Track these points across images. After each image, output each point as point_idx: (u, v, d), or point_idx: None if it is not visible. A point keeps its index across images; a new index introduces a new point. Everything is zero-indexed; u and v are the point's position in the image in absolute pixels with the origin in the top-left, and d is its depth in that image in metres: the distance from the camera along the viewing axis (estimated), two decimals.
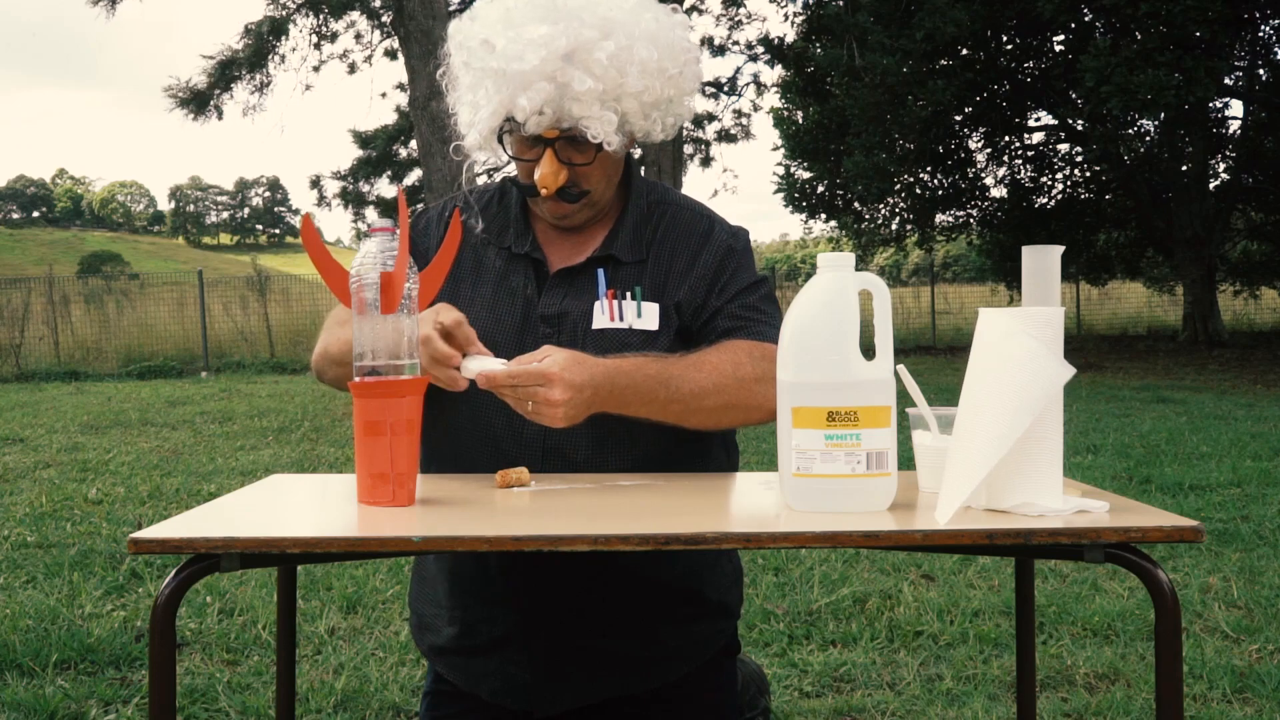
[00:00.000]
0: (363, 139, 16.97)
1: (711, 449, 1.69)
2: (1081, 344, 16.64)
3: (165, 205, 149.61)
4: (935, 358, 15.17)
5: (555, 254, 1.69)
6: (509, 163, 1.68)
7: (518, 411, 1.45)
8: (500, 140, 1.61)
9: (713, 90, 17.41)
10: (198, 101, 12.96)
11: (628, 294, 1.63)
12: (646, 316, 1.62)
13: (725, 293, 1.64)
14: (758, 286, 1.67)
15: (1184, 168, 17.09)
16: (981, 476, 1.17)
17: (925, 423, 1.38)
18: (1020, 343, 1.19)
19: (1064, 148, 19.00)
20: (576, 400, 1.43)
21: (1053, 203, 19.25)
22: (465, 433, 1.62)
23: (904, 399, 1.29)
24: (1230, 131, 17.64)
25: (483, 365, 1.45)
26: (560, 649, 1.62)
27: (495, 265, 1.69)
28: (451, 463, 1.65)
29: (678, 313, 1.64)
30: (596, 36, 1.52)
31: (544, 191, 1.58)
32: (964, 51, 16.88)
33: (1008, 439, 1.17)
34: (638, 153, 1.89)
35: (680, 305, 1.64)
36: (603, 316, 1.61)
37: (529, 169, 1.61)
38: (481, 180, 1.88)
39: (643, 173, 1.82)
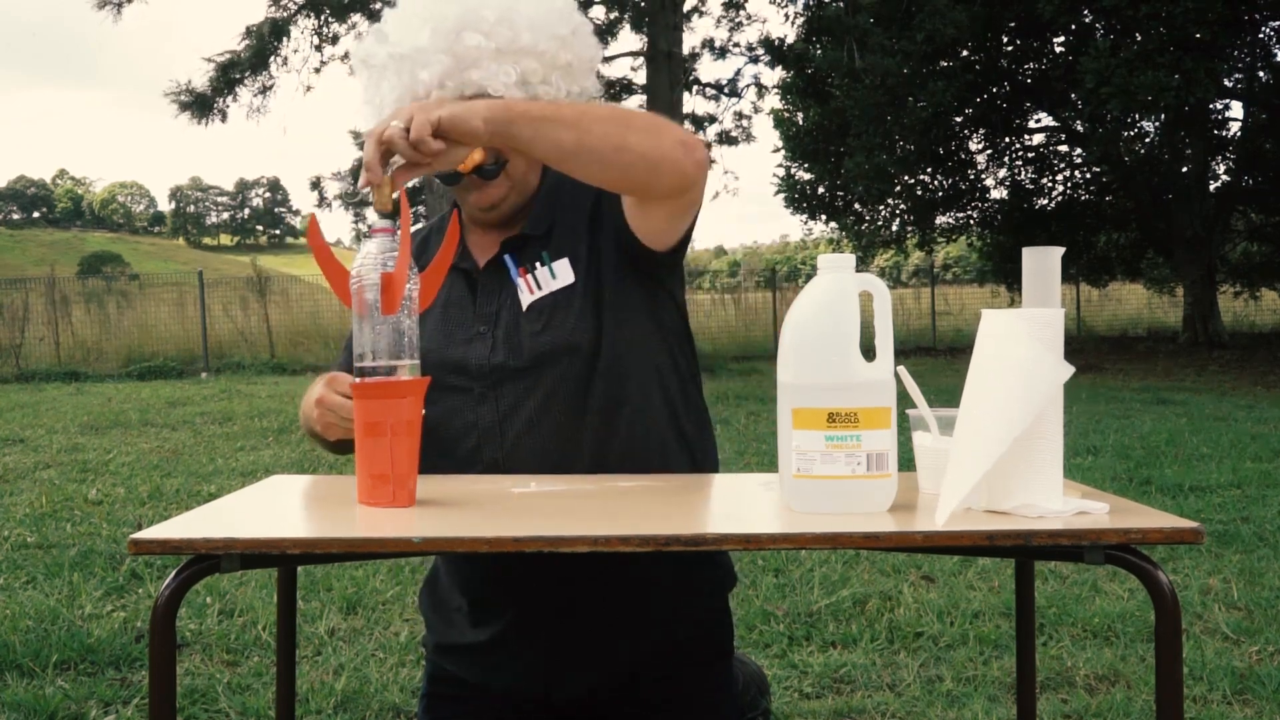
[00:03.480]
0: (363, 140, 16.95)
1: (669, 451, 1.68)
2: (1082, 345, 16.64)
3: (165, 206, 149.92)
4: (935, 359, 15.17)
5: (481, 254, 1.71)
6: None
7: (413, 152, 1.41)
8: None
9: (713, 92, 17.41)
10: (200, 105, 12.96)
11: (535, 263, 1.65)
12: (560, 274, 1.65)
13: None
14: None
15: (1184, 169, 17.09)
16: (978, 477, 1.17)
17: (926, 424, 1.38)
18: (1021, 343, 1.19)
19: (1064, 149, 19.02)
20: (443, 103, 1.43)
21: (1053, 204, 19.27)
22: (433, 443, 1.62)
23: (904, 400, 1.29)
24: (1230, 133, 17.65)
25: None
26: (564, 630, 1.64)
27: (446, 283, 1.69)
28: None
29: (629, 243, 1.62)
30: (481, 2, 1.57)
31: (463, 168, 1.57)
32: (964, 53, 16.90)
33: (1006, 439, 1.17)
34: None
35: (601, 242, 1.64)
36: (525, 294, 1.64)
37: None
38: None
39: None
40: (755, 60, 17.18)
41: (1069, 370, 1.18)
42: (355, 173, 17.02)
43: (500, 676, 1.69)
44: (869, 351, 1.25)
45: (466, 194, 1.66)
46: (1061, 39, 16.81)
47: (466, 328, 1.67)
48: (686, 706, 1.73)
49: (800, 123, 19.14)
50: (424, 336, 1.64)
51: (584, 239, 1.66)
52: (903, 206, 19.21)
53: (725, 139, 17.82)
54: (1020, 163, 19.31)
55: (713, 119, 17.77)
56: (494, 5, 1.57)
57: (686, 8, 15.05)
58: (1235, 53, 15.38)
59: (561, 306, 1.62)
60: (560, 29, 1.62)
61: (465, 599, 1.71)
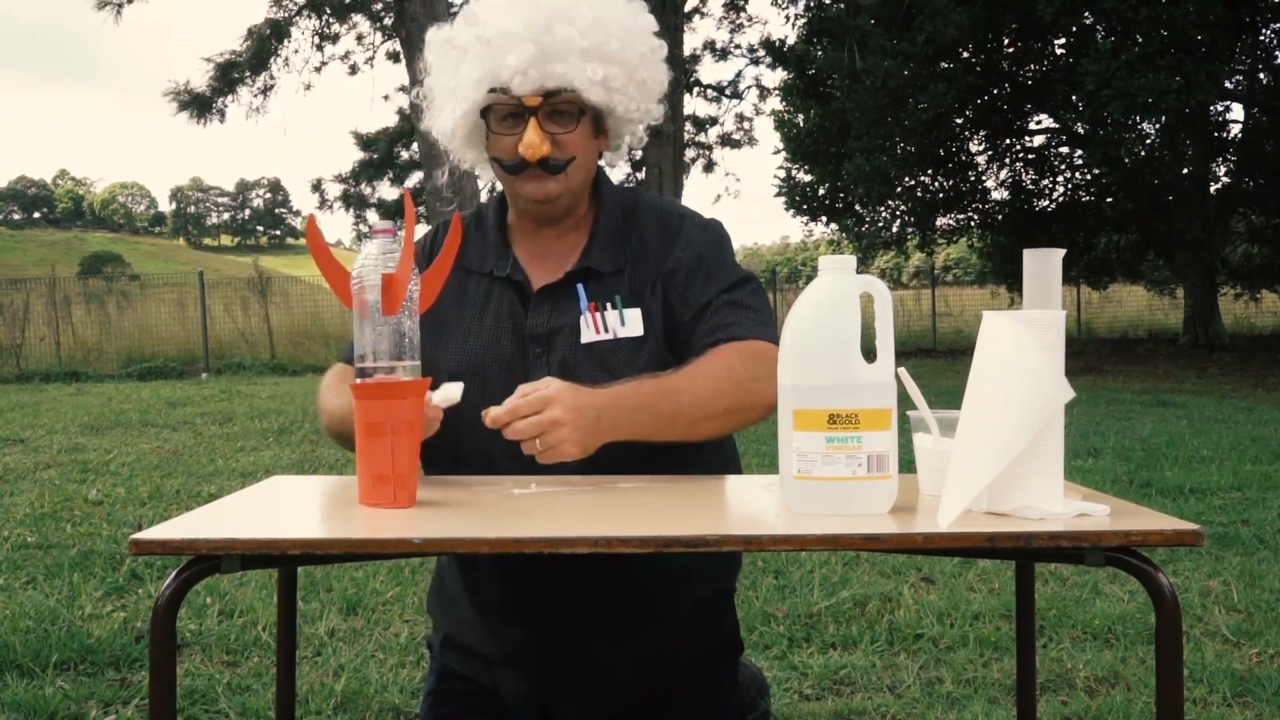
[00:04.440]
0: (364, 141, 16.98)
1: (698, 454, 1.68)
2: (1082, 347, 16.64)
3: (166, 206, 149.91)
4: (936, 360, 15.17)
5: (536, 273, 1.69)
6: (477, 160, 1.71)
7: (528, 453, 1.43)
8: (484, 117, 1.63)
9: (714, 94, 17.41)
10: (200, 105, 12.96)
11: (608, 304, 1.65)
12: (630, 324, 1.64)
13: (707, 290, 1.64)
14: (740, 284, 1.67)
15: (1184, 171, 17.10)
16: (984, 484, 1.18)
17: (926, 425, 1.38)
18: (1027, 353, 1.20)
19: (1065, 150, 19.01)
20: (582, 424, 1.42)
21: (1053, 205, 19.27)
22: (464, 456, 1.63)
23: (905, 402, 1.29)
24: (1231, 135, 17.67)
25: (446, 392, 1.45)
26: (577, 656, 1.65)
27: (479, 291, 1.70)
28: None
29: (664, 314, 1.65)
30: (575, 1, 1.59)
31: (529, 153, 1.59)
32: (965, 54, 16.89)
33: (1010, 451, 1.17)
34: (619, 163, 1.93)
35: (665, 305, 1.65)
36: (588, 330, 1.63)
37: (512, 145, 1.62)
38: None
39: (643, 174, 1.86)
40: (756, 62, 17.20)
41: (1070, 393, 1.19)
42: (356, 174, 17.05)
43: (509, 679, 1.70)
44: (870, 353, 1.25)
45: (523, 184, 1.65)
46: (1062, 41, 16.81)
47: (519, 345, 1.65)
48: (687, 706, 1.74)
49: (801, 124, 19.15)
50: (460, 336, 1.66)
51: (658, 297, 1.65)
52: (903, 208, 19.20)
53: (726, 141, 17.83)
54: (1021, 164, 19.32)
55: (714, 121, 17.79)
56: (590, 5, 1.59)
57: (687, 9, 15.05)
58: (1236, 55, 15.38)
59: (626, 356, 1.61)
60: (642, 45, 1.64)
61: (472, 603, 1.72)
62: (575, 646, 1.64)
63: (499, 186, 1.76)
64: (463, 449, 1.61)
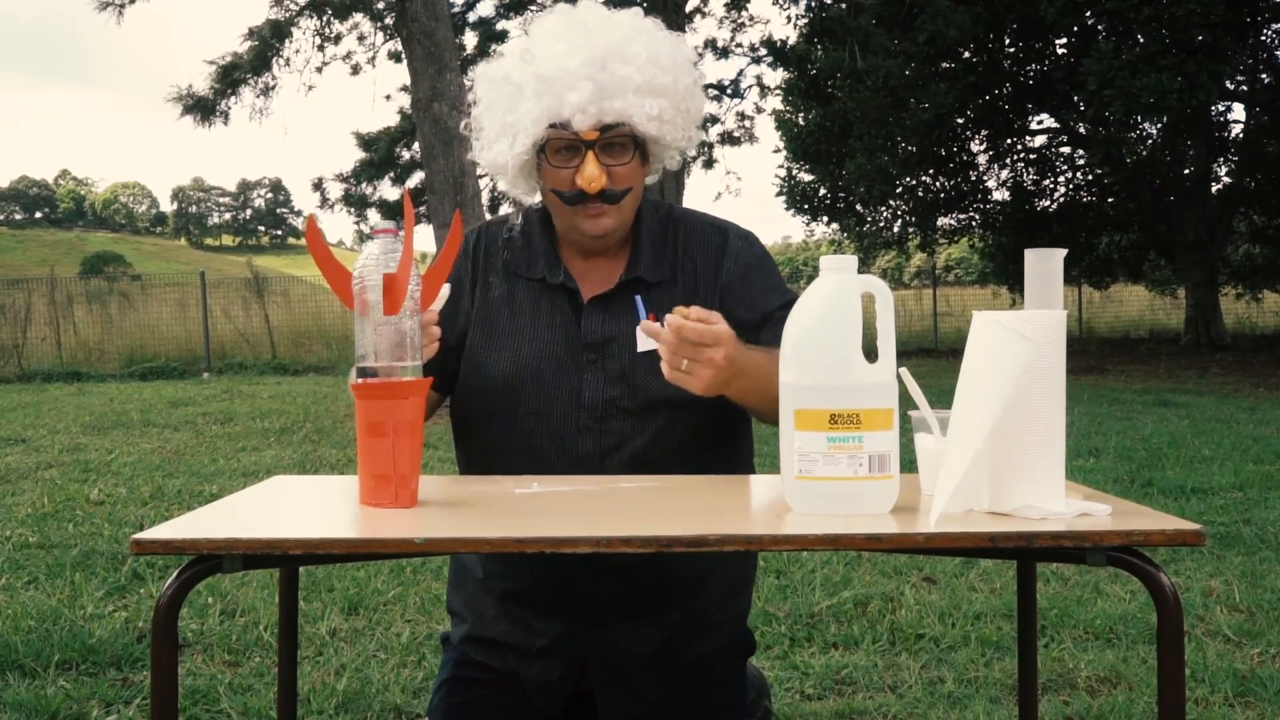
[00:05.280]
0: (365, 141, 16.97)
1: (732, 464, 1.75)
2: (1084, 347, 16.63)
3: (168, 206, 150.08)
4: (937, 360, 15.15)
5: (585, 283, 1.75)
6: (528, 191, 1.76)
7: (666, 363, 1.49)
8: (539, 150, 1.68)
9: (715, 93, 17.40)
10: (203, 108, 12.95)
11: (665, 314, 1.68)
12: None
13: (768, 300, 1.74)
14: (788, 292, 1.76)
15: (1186, 171, 17.09)
16: (961, 473, 1.18)
17: (927, 425, 1.38)
18: (996, 338, 1.20)
19: (1066, 151, 19.00)
20: (725, 374, 1.49)
21: (1055, 206, 19.26)
22: (516, 456, 1.67)
23: (906, 402, 1.29)
24: (1232, 135, 17.66)
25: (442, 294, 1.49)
26: (602, 647, 1.70)
27: (529, 296, 1.75)
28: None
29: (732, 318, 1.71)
30: (629, 36, 1.65)
31: (591, 186, 1.64)
32: (966, 54, 16.89)
33: (983, 428, 1.18)
34: (651, 179, 2.01)
35: (724, 313, 1.69)
36: (645, 339, 1.67)
37: (569, 177, 1.66)
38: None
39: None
40: (758, 61, 17.20)
41: (1031, 347, 1.19)
42: (357, 174, 17.05)
43: (535, 668, 1.73)
44: (871, 353, 1.25)
45: (578, 219, 1.69)
46: (1064, 41, 16.80)
47: (571, 350, 1.70)
48: (689, 705, 1.75)
49: (802, 124, 19.15)
50: (513, 339, 1.71)
51: (710, 303, 1.70)
52: (904, 208, 19.21)
53: (728, 139, 17.82)
54: (1022, 164, 19.31)
55: (715, 119, 17.78)
56: (642, 43, 1.65)
57: (689, 8, 15.05)
58: (1237, 55, 15.37)
59: None
60: (688, 78, 1.70)
61: (495, 597, 1.75)
62: (600, 637, 1.69)
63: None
64: (513, 448, 1.65)
